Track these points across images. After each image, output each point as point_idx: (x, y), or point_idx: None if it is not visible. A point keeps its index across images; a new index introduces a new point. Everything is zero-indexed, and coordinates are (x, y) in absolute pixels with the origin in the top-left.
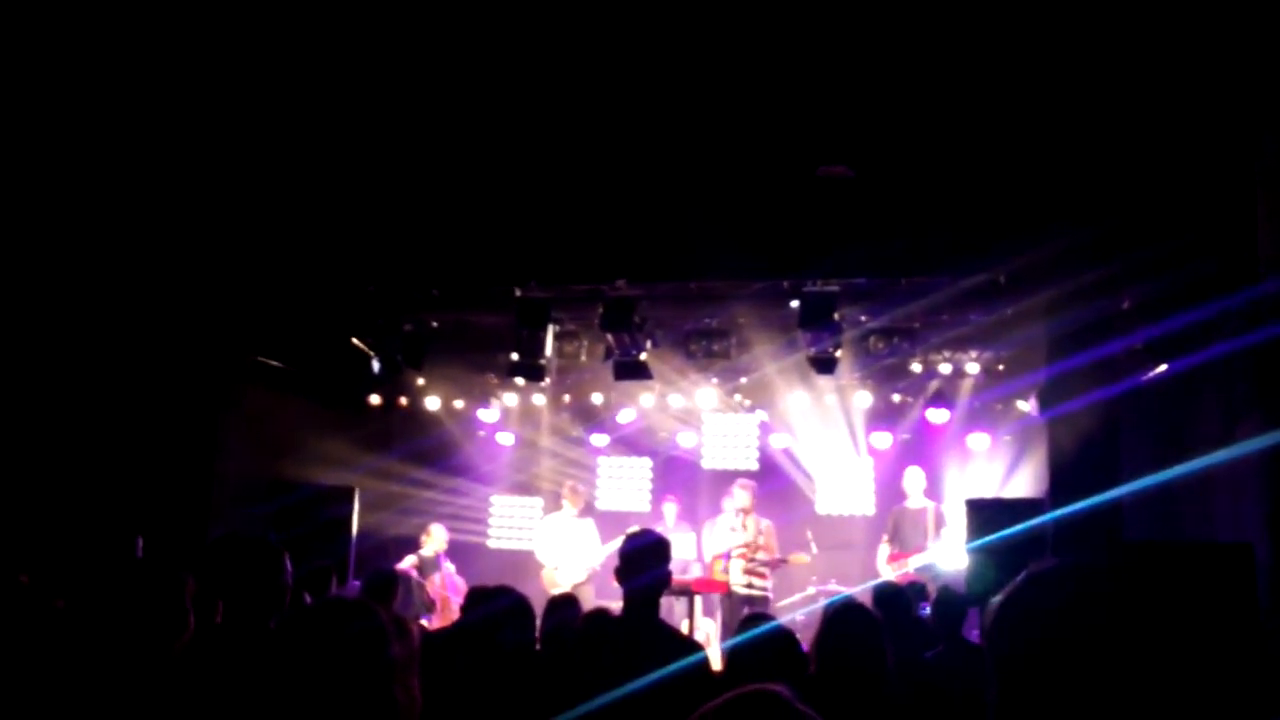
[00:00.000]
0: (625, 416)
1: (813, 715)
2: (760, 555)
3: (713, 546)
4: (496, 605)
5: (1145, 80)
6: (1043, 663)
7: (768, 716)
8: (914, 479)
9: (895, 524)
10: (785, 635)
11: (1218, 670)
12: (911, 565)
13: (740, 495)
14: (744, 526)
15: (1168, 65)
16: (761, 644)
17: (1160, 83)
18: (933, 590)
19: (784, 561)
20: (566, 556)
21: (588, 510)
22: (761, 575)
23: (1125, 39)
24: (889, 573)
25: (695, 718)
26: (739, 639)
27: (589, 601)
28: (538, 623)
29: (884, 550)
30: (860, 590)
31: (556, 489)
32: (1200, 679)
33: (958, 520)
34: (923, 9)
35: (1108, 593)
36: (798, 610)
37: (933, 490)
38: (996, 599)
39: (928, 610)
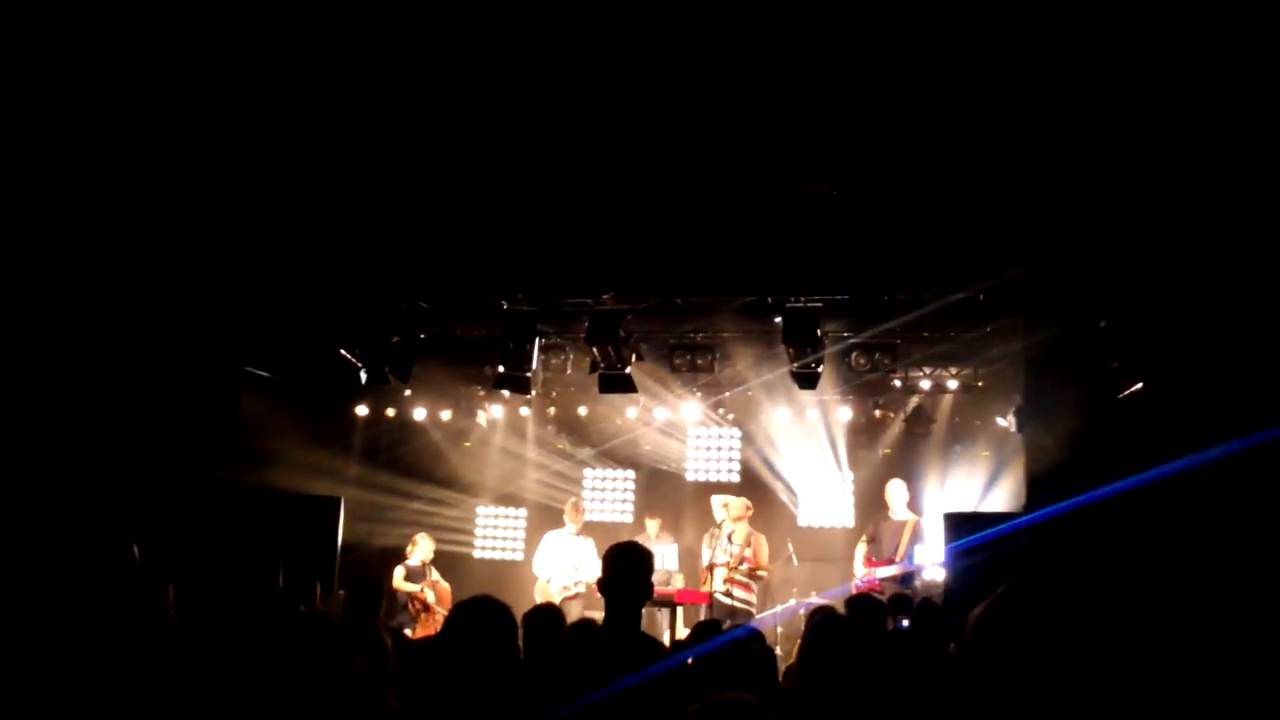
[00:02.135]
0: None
1: None
2: (743, 568)
3: (706, 558)
4: (480, 615)
5: (1121, 99)
6: (1020, 672)
7: None
8: (896, 492)
9: (875, 530)
10: (739, 644)
11: (1199, 675)
12: (879, 574)
13: (719, 509)
14: (729, 539)
15: (1143, 82)
16: (717, 652)
17: (1136, 100)
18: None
19: (762, 576)
20: (561, 572)
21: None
22: (744, 587)
23: (1104, 58)
24: (863, 572)
25: None
26: (699, 649)
27: (574, 616)
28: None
29: (862, 549)
30: (838, 596)
31: (542, 500)
32: (1178, 685)
33: (937, 534)
34: (904, 31)
35: (1083, 603)
36: (779, 620)
37: (913, 503)
38: (975, 610)
39: (905, 624)
